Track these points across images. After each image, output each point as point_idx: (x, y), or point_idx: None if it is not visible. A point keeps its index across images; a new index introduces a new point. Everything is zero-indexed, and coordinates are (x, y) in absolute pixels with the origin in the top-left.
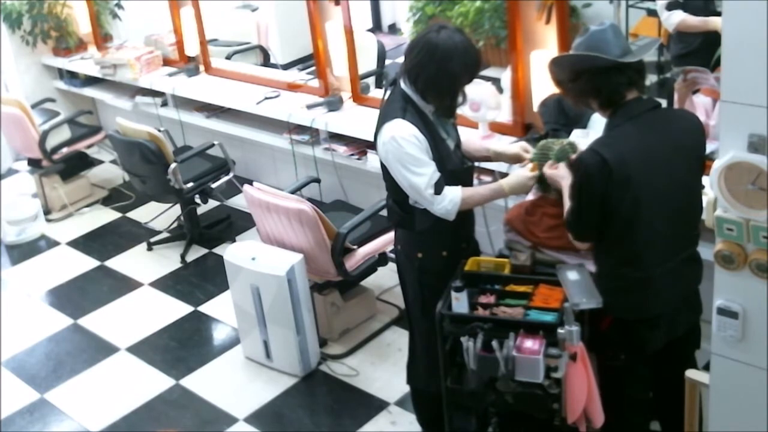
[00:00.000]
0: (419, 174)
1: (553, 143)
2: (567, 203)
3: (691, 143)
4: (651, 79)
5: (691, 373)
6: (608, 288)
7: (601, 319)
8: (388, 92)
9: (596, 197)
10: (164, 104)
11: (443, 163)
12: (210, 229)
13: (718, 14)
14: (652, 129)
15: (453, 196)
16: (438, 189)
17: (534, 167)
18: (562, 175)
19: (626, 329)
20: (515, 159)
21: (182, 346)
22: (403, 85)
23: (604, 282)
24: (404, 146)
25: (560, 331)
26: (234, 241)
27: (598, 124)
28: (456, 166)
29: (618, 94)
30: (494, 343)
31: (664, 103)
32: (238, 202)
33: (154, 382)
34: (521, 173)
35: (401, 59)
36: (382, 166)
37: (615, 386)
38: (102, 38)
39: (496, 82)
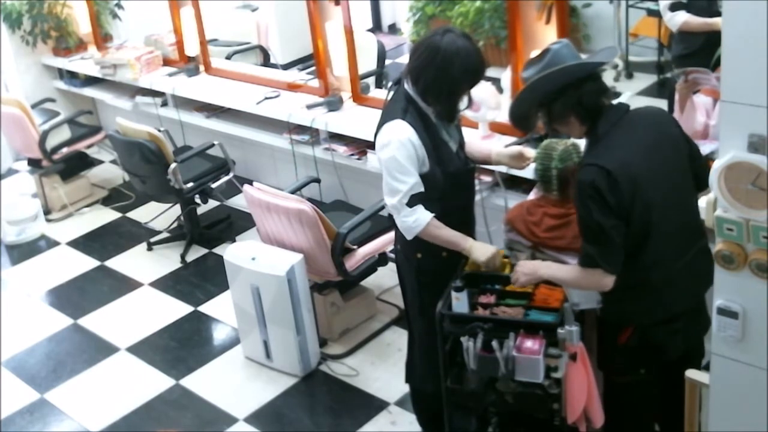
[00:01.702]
0: (401, 181)
1: (557, 143)
2: (560, 272)
3: (673, 138)
4: (651, 79)
5: (691, 373)
6: (626, 296)
7: (621, 331)
8: (392, 92)
9: (611, 209)
10: (164, 104)
11: (444, 165)
12: (210, 229)
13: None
14: (637, 131)
15: (421, 216)
16: (412, 202)
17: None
18: (529, 271)
19: (647, 336)
20: (517, 159)
21: (182, 346)
22: (406, 85)
23: (621, 291)
24: (396, 151)
25: (560, 331)
26: (234, 241)
27: None
28: (458, 168)
29: (597, 102)
30: (494, 343)
31: (663, 103)
32: (238, 202)
33: (154, 382)
34: (492, 248)
35: (401, 59)
36: None
37: (626, 403)
38: (102, 38)
39: (496, 82)
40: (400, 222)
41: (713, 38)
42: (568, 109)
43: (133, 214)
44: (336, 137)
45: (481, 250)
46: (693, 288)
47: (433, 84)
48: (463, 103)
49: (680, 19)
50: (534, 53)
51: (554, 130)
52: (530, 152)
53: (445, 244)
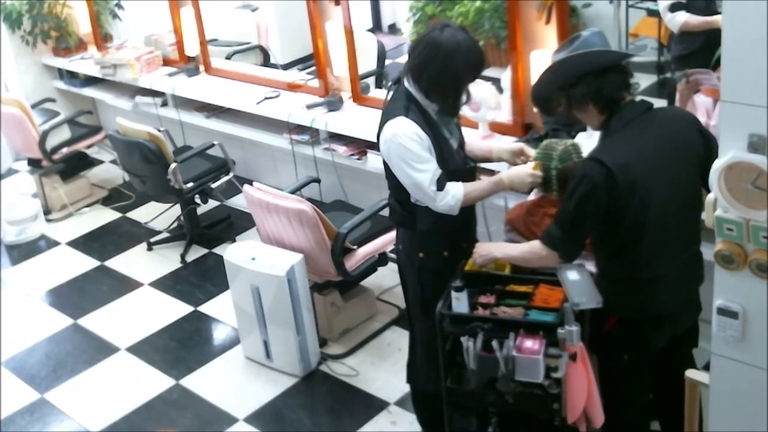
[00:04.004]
0: (422, 170)
1: (557, 143)
2: (513, 251)
3: (688, 141)
4: (651, 79)
5: (691, 373)
6: (613, 289)
7: (605, 319)
8: (392, 91)
9: (601, 208)
10: (164, 104)
11: (446, 162)
12: (210, 229)
13: (720, 14)
14: (649, 132)
15: (455, 191)
16: (440, 185)
17: (535, 165)
18: (485, 252)
19: (631, 329)
20: (517, 155)
21: (182, 346)
22: (406, 83)
23: (608, 283)
24: (406, 143)
25: (560, 331)
26: (234, 241)
27: None
28: (458, 166)
29: (617, 95)
30: (494, 343)
31: (663, 103)
32: (238, 202)
33: (154, 382)
34: (522, 169)
35: (401, 59)
36: (385, 164)
37: (616, 387)
38: (102, 38)
39: (496, 82)
40: (440, 207)
41: (713, 38)
42: (587, 96)
43: (133, 214)
44: (336, 137)
45: (516, 174)
46: (679, 292)
47: (437, 80)
48: (465, 97)
49: (681, 19)
50: (535, 52)
51: (573, 117)
52: (530, 150)
53: (487, 195)
